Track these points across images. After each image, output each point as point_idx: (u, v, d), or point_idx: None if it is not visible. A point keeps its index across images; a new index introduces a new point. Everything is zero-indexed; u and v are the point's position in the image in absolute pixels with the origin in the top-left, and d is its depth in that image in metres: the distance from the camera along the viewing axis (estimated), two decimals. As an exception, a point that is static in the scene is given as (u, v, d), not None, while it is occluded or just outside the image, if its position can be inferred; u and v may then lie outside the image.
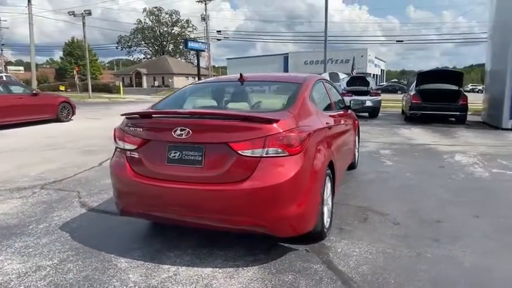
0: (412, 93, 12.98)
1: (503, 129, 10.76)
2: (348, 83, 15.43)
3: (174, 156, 2.72)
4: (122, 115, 3.09)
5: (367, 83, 15.08)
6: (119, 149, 3.04)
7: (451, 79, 12.94)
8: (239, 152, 2.55)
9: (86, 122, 13.11)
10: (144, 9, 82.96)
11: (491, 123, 11.97)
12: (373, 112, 14.66)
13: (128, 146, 2.91)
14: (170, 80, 69.95)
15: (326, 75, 18.73)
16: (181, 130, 2.66)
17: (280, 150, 2.56)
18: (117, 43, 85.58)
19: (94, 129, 11.05)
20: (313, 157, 2.83)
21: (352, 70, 27.01)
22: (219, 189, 2.57)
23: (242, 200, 2.54)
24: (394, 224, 3.56)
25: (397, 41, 54.65)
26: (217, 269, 2.77)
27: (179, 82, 69.27)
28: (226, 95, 3.81)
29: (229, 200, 2.57)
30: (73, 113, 13.43)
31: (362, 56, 56.24)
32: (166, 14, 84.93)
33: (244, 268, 2.77)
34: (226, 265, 2.82)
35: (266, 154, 2.54)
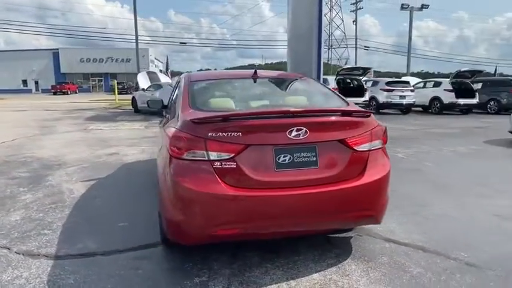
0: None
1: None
2: None
3: (284, 160, 2.40)
4: (192, 120, 2.42)
5: None
6: (191, 161, 2.37)
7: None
8: (355, 147, 2.54)
9: None
10: None
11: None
12: None
13: (216, 155, 2.32)
14: None
15: (142, 76, 17.91)
16: (297, 130, 2.39)
17: (378, 142, 2.71)
18: None
19: None
20: None
21: (167, 70, 27.31)
22: (340, 188, 2.45)
23: (361, 194, 2.54)
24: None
25: (180, 43, 56.94)
26: (323, 272, 2.64)
27: None
28: (263, 92, 3.42)
29: (349, 197, 2.51)
30: None
31: (143, 56, 55.66)
32: None
33: (343, 264, 2.74)
34: (324, 266, 2.71)
35: (372, 147, 2.64)
